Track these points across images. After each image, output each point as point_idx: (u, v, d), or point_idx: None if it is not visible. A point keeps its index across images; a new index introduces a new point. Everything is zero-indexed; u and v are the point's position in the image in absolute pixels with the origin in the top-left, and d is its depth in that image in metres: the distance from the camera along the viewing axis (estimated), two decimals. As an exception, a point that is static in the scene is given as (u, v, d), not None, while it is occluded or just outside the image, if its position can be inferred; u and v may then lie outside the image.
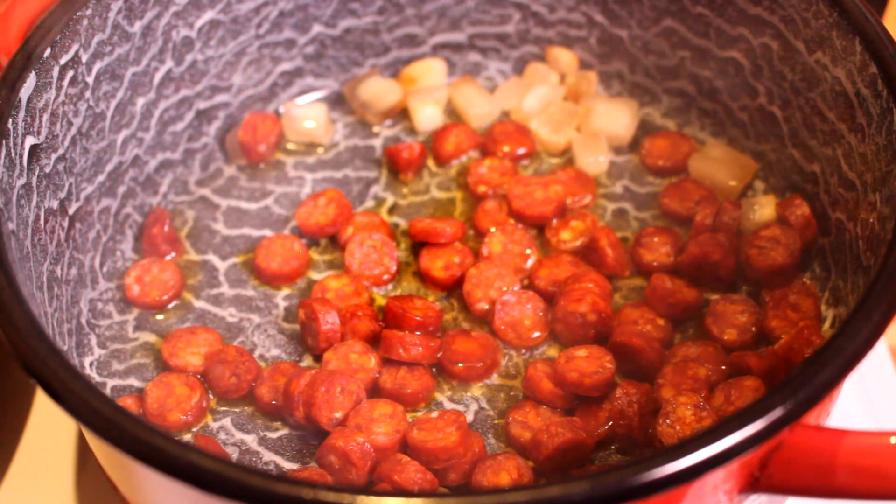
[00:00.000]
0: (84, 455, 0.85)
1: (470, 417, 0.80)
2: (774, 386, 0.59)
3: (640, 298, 0.85)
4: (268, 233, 0.91)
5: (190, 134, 0.94)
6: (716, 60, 0.91)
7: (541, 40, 1.00)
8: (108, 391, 0.82)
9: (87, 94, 0.82)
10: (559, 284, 0.84)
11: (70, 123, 0.81)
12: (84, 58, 0.81)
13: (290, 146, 0.98)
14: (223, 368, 0.81)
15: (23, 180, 0.74)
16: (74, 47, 0.80)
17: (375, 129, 0.99)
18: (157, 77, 0.89)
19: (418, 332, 0.81)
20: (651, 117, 0.98)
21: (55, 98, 0.78)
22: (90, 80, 0.82)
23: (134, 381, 0.83)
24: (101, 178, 0.86)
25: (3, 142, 0.72)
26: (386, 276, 0.87)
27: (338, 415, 0.77)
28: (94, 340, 0.84)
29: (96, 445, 0.73)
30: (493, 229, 0.88)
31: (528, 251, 0.87)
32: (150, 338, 0.85)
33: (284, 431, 0.79)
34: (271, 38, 0.96)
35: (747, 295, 0.84)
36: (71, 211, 0.82)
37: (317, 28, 0.97)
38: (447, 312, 0.85)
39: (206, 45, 0.92)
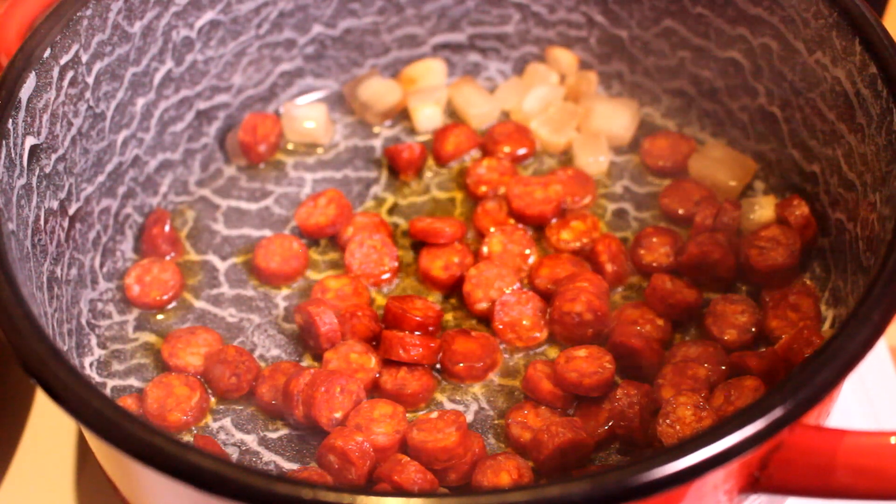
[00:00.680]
0: (84, 455, 0.85)
1: (470, 417, 0.80)
2: (774, 386, 0.59)
3: (639, 298, 0.85)
4: (268, 233, 0.91)
5: (190, 134, 0.94)
6: (716, 60, 0.91)
7: (541, 40, 1.00)
8: (108, 391, 0.82)
9: (87, 94, 0.82)
10: (557, 284, 0.84)
11: (70, 124, 0.81)
12: (84, 58, 0.81)
13: (290, 146, 0.98)
14: (223, 368, 0.81)
15: (23, 180, 0.74)
16: (74, 48, 0.80)
17: (375, 129, 0.99)
18: (157, 77, 0.89)
19: (418, 333, 0.81)
20: (651, 117, 0.98)
21: (55, 98, 0.78)
22: (90, 80, 0.82)
23: (134, 382, 0.83)
24: (101, 178, 0.86)
25: (4, 142, 0.72)
26: (386, 276, 0.87)
27: (337, 415, 0.77)
28: (94, 341, 0.84)
29: (96, 445, 0.73)
30: (492, 229, 0.88)
31: (527, 251, 0.87)
32: (150, 338, 0.85)
33: (284, 432, 0.79)
34: (271, 39, 0.96)
35: (747, 295, 0.84)
36: (71, 211, 0.82)
37: (317, 28, 0.97)
38: (447, 312, 0.85)
39: (207, 45, 0.92)
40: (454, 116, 0.99)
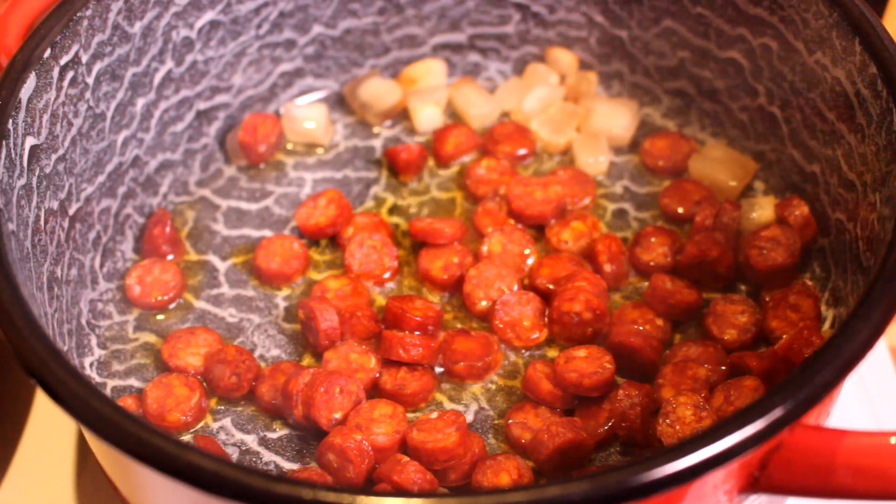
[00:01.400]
0: (84, 455, 0.85)
1: (470, 417, 0.80)
2: (774, 386, 0.59)
3: (639, 298, 0.85)
4: (268, 233, 0.91)
5: (190, 134, 0.94)
6: (716, 61, 0.91)
7: (541, 41, 1.00)
8: (108, 391, 0.82)
9: (88, 94, 0.82)
10: (556, 284, 0.84)
11: (70, 124, 0.81)
12: (84, 58, 0.81)
13: (290, 146, 0.98)
14: (223, 368, 0.81)
15: (23, 181, 0.74)
16: (74, 48, 0.80)
17: (375, 129, 0.99)
18: (158, 78, 0.89)
19: (418, 333, 0.81)
20: (651, 118, 0.98)
21: (55, 99, 0.78)
22: (90, 80, 0.82)
23: (134, 382, 0.83)
24: (101, 178, 0.86)
25: (4, 142, 0.72)
26: (386, 276, 0.87)
27: (337, 415, 0.77)
28: (94, 341, 0.84)
29: (96, 446, 0.73)
30: (490, 229, 0.88)
31: (527, 251, 0.87)
32: (150, 338, 0.85)
33: (284, 432, 0.79)
34: (271, 39, 0.96)
35: (747, 295, 0.84)
36: (71, 211, 0.82)
37: (317, 28, 0.97)
38: (447, 312, 0.85)
39: (207, 45, 0.92)
40: (454, 117, 0.99)
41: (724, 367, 0.78)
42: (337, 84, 1.01)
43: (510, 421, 0.78)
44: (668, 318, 0.83)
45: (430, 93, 0.99)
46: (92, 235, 0.85)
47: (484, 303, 0.84)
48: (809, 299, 0.81)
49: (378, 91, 0.98)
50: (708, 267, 0.84)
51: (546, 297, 0.84)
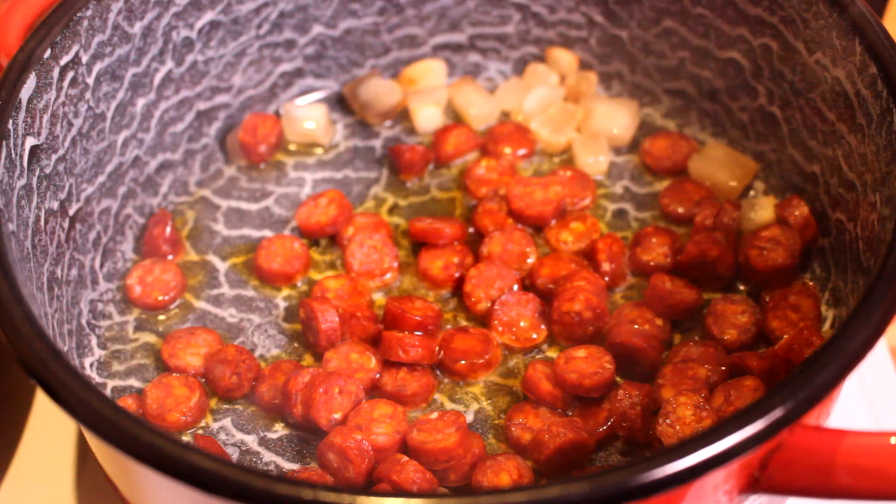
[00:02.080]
0: (84, 455, 0.85)
1: (470, 417, 0.80)
2: (774, 387, 0.59)
3: (639, 298, 0.85)
4: (268, 233, 0.91)
5: (190, 135, 0.94)
6: (716, 61, 0.91)
7: (541, 41, 1.00)
8: (108, 392, 0.82)
9: (88, 94, 0.82)
10: (556, 283, 0.84)
11: (70, 124, 0.81)
12: (84, 59, 0.81)
13: (291, 147, 0.98)
14: (223, 368, 0.81)
15: (23, 181, 0.74)
16: (75, 48, 0.80)
17: (376, 129, 0.99)
18: (158, 78, 0.89)
19: (418, 333, 0.81)
20: (651, 118, 0.98)
21: (55, 99, 0.78)
22: (90, 80, 0.82)
23: (134, 382, 0.83)
24: (101, 178, 0.86)
25: (4, 143, 0.72)
26: (387, 277, 0.87)
27: (336, 416, 0.77)
28: (94, 341, 0.84)
29: (96, 446, 0.73)
30: (490, 229, 0.88)
31: (528, 250, 0.87)
32: (150, 338, 0.85)
33: (285, 432, 0.79)
34: (272, 39, 0.96)
35: (747, 295, 0.84)
36: (71, 212, 0.82)
37: (317, 29, 0.97)
38: (447, 312, 0.85)
39: (207, 45, 0.92)
40: (454, 117, 0.99)
41: (724, 368, 0.78)
42: (337, 84, 1.01)
43: (510, 422, 0.78)
44: (667, 318, 0.83)
45: (429, 93, 0.99)
46: (92, 236, 0.85)
47: (484, 303, 0.84)
48: (810, 299, 0.81)
49: (378, 91, 0.98)
50: (708, 267, 0.84)
51: (546, 297, 0.84)
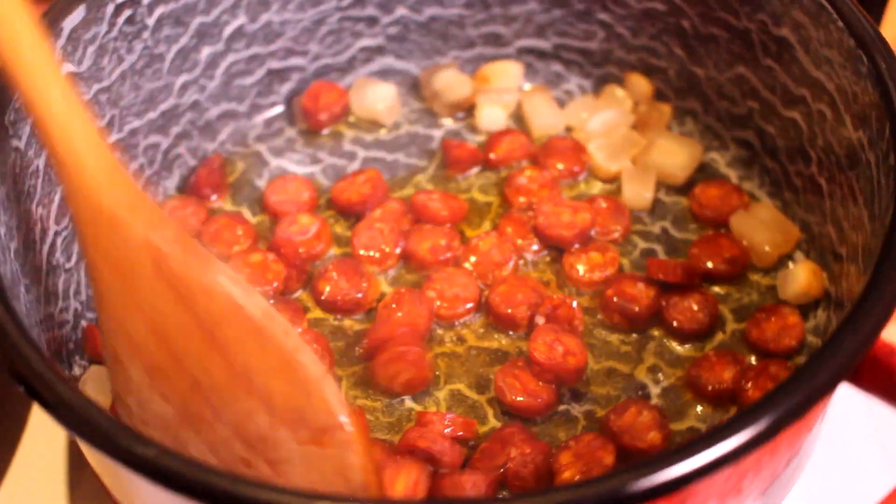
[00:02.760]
0: (80, 460, 0.85)
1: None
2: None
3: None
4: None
5: (259, 90, 0.97)
6: (779, 118, 0.87)
7: (623, 63, 0.98)
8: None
9: (146, 34, 0.86)
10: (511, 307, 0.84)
11: (121, 59, 0.85)
12: (144, 0, 0.84)
13: (353, 120, 0.99)
14: None
15: (49, 103, 0.78)
16: (133, -13, 0.83)
17: (441, 120, 0.99)
18: (228, 30, 0.92)
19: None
20: (716, 164, 0.94)
21: (106, 33, 0.82)
22: (150, 22, 0.86)
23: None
24: (152, 115, 0.90)
25: (33, 64, 0.76)
26: (389, 263, 0.88)
27: None
28: (109, 265, 0.88)
29: (90, 453, 0.74)
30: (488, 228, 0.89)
31: (510, 264, 0.86)
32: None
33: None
34: (353, 13, 0.97)
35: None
36: (109, 140, 0.86)
37: (401, 10, 0.98)
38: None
39: (284, 8, 0.94)
40: (520, 122, 0.98)
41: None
42: (417, 69, 1.01)
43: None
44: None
45: (500, 94, 0.98)
46: (133, 166, 0.90)
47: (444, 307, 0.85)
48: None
49: (451, 82, 0.98)
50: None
51: (497, 317, 0.84)
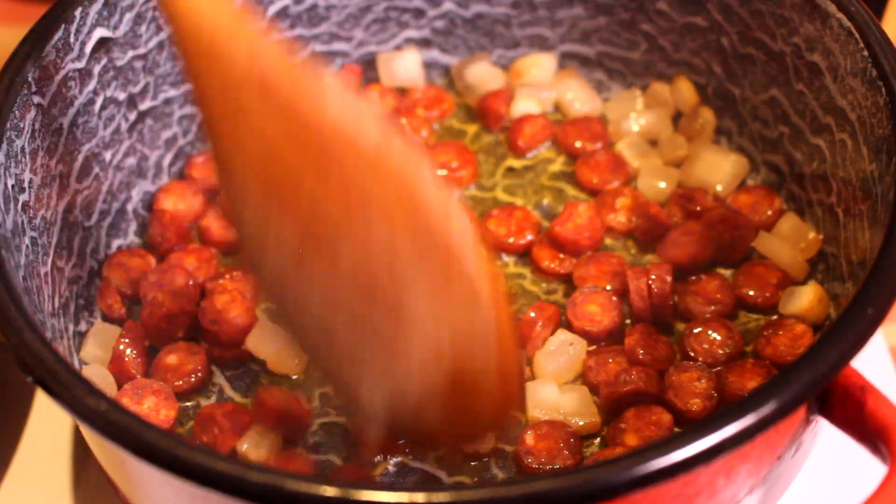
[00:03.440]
0: (84, 455, 0.86)
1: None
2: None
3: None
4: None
5: (302, 71, 0.98)
6: (807, 145, 0.85)
7: (664, 76, 0.96)
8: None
9: (187, 6, 0.88)
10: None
11: (160, 29, 0.87)
12: (187, -28, 0.86)
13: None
14: None
15: (79, 65, 0.81)
16: (176, -41, 0.85)
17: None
18: (272, 9, 0.94)
19: None
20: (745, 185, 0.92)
21: (145, 1, 0.85)
22: (192, -6, 0.88)
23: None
24: (189, 86, 0.92)
25: (65, 26, 0.79)
26: None
27: None
28: (132, 227, 0.91)
29: (94, 444, 0.74)
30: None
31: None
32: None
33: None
34: (400, 3, 0.98)
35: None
36: (142, 107, 0.88)
37: (448, 5, 0.98)
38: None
39: (332, -8, 0.95)
40: (559, 112, 0.99)
41: None
42: (462, 64, 1.02)
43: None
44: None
45: (536, 89, 0.98)
46: (166, 135, 0.92)
47: None
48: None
49: (483, 76, 0.99)
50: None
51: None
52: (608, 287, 0.84)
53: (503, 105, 0.97)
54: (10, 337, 0.63)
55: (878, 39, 0.75)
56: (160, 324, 0.82)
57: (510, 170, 0.95)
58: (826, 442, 0.79)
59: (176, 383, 0.80)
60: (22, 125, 0.75)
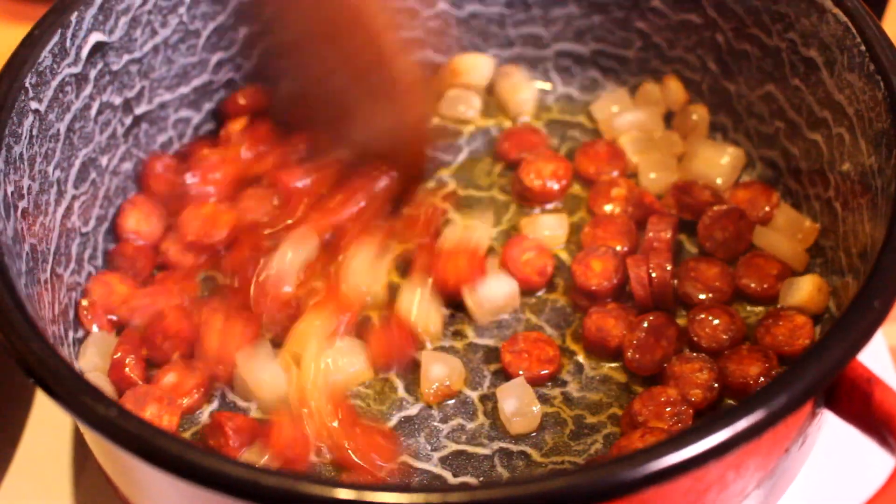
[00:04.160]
0: (84, 455, 0.86)
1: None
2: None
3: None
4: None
5: (296, 73, 0.98)
6: (803, 140, 0.86)
7: (658, 73, 0.97)
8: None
9: (182, 10, 0.88)
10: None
11: (155, 32, 0.87)
12: (182, -25, 0.86)
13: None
14: None
15: (75, 70, 0.80)
16: (167, -37, 0.85)
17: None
18: (268, 12, 0.93)
19: None
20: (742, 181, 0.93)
21: (140, 5, 0.84)
22: (188, -1, 0.88)
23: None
24: (184, 90, 0.92)
25: (61, 31, 0.78)
26: None
27: None
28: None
29: (95, 444, 0.75)
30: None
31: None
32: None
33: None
34: (394, 4, 0.98)
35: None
36: (138, 111, 0.88)
37: (442, 5, 0.98)
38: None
39: (323, -6, 0.95)
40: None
41: None
42: (455, 64, 1.02)
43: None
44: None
45: (467, 90, 0.99)
46: (161, 138, 0.92)
47: None
48: None
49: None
50: None
51: None
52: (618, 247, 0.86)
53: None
54: (19, 345, 0.63)
55: (875, 34, 0.75)
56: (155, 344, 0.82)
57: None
58: (829, 434, 0.79)
59: (179, 402, 0.80)
60: (20, 131, 0.75)
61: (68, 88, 0.80)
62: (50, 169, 0.79)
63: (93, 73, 0.83)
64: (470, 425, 0.79)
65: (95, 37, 0.82)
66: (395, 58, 0.88)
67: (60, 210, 0.81)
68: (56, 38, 0.78)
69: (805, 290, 0.81)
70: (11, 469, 0.85)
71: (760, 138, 0.91)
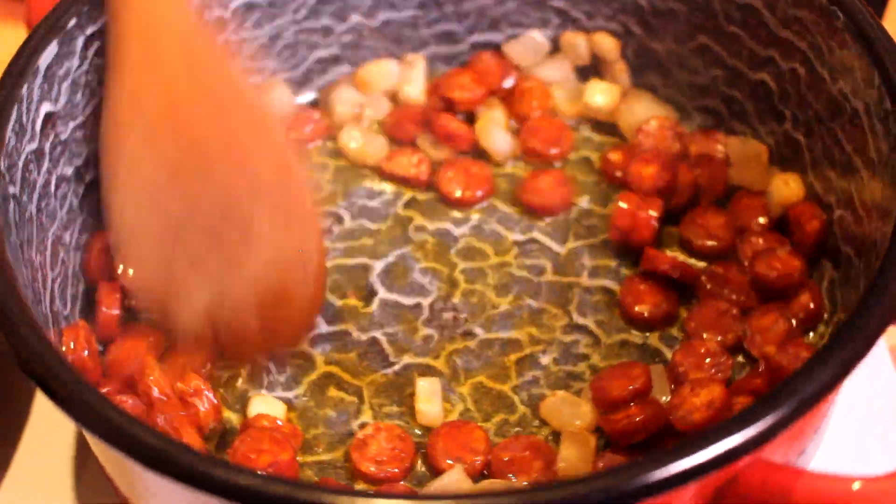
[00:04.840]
0: (84, 455, 0.85)
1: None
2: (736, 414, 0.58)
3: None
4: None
5: (220, 112, 0.96)
6: (747, 82, 0.90)
7: (579, 47, 0.99)
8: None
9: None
10: None
11: (93, 94, 0.82)
12: (111, 31, 0.82)
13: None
14: None
15: (34, 146, 0.76)
16: (102, 19, 0.81)
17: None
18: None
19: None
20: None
21: (78, 67, 0.80)
22: (117, 52, 0.84)
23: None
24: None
25: (16, 107, 0.74)
26: None
27: None
28: (101, 307, 0.86)
29: (97, 447, 0.73)
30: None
31: None
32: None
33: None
34: (308, 24, 0.96)
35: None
36: (88, 179, 0.84)
37: (355, 18, 0.98)
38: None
39: (241, 26, 0.93)
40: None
41: None
42: (372, 74, 1.01)
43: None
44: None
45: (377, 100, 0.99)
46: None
47: None
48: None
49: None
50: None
51: None
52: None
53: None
54: (13, 342, 0.62)
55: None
56: None
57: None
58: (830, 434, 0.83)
59: None
60: (9, 220, 0.70)
61: (32, 166, 0.76)
62: (33, 255, 0.75)
63: (47, 146, 0.78)
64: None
65: (45, 107, 0.77)
66: (297, 175, 0.76)
67: (46, 297, 0.76)
68: (14, 115, 0.74)
69: (782, 185, 0.86)
70: (12, 469, 0.84)
71: (695, 90, 0.95)
